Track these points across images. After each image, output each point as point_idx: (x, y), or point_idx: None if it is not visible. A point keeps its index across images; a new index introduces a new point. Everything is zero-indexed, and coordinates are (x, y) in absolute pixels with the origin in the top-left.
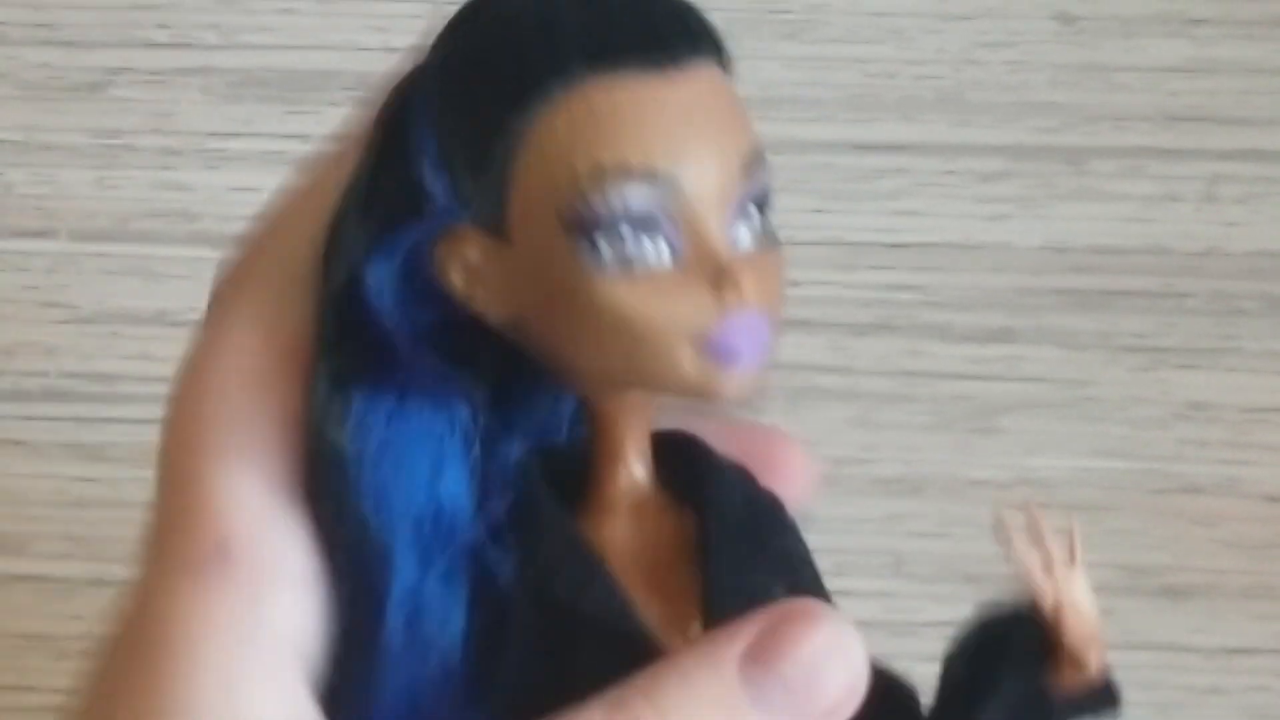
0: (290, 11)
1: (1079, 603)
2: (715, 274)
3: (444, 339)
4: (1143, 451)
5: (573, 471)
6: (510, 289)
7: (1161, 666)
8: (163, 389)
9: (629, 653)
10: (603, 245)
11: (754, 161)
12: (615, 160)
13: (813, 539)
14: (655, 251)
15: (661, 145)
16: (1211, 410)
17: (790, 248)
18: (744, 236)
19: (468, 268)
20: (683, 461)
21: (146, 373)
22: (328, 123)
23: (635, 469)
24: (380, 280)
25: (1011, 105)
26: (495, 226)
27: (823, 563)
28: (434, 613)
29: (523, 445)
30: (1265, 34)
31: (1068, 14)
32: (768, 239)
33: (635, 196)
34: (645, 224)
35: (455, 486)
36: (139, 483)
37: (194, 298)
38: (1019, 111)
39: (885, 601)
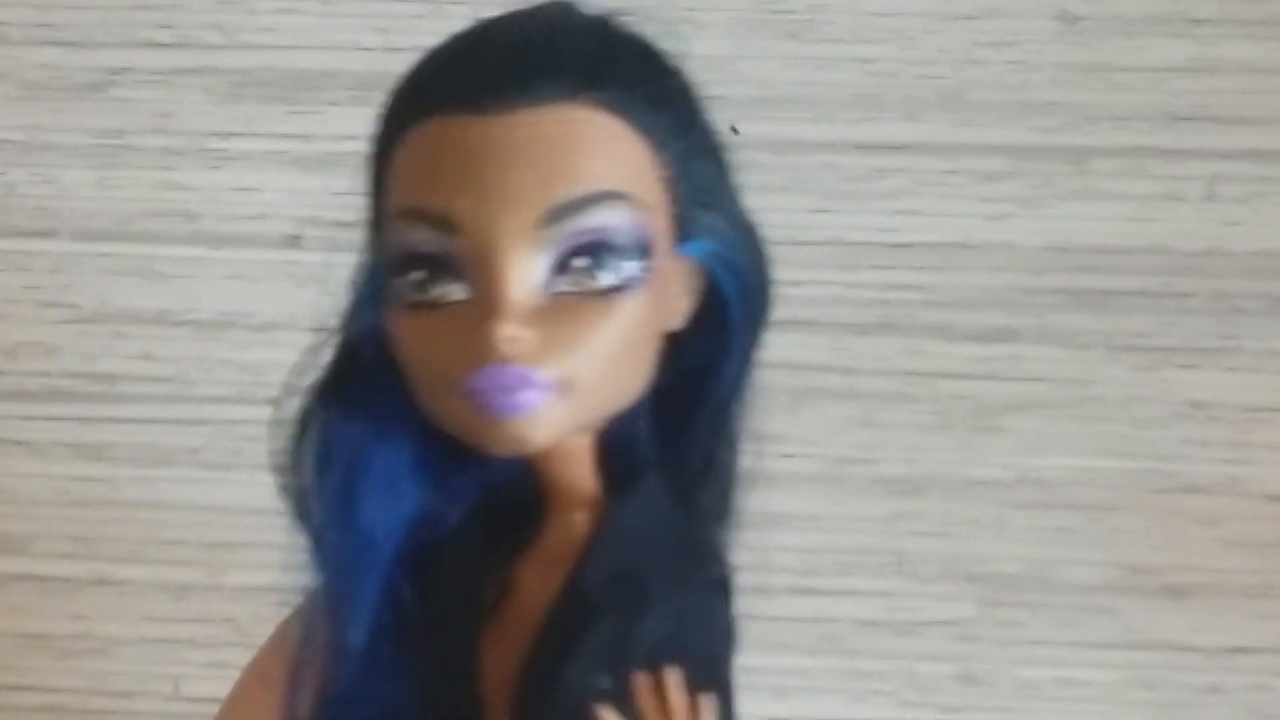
0: (291, 11)
1: None
2: (482, 322)
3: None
4: (1144, 451)
5: (532, 513)
6: (390, 327)
7: (1163, 665)
8: (164, 389)
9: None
10: (401, 284)
11: (571, 209)
12: (407, 203)
13: (814, 538)
14: (446, 293)
15: (449, 189)
16: (1213, 409)
17: (792, 247)
18: (562, 283)
19: (386, 305)
20: (616, 506)
21: (148, 373)
22: (329, 122)
23: (572, 515)
24: (362, 313)
25: (1013, 105)
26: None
27: (824, 562)
28: (344, 607)
29: (481, 480)
30: (1266, 34)
31: (1069, 14)
32: (598, 290)
33: (421, 238)
34: (436, 265)
35: (388, 511)
36: (140, 482)
37: (196, 297)
38: (1020, 111)
39: (887, 601)
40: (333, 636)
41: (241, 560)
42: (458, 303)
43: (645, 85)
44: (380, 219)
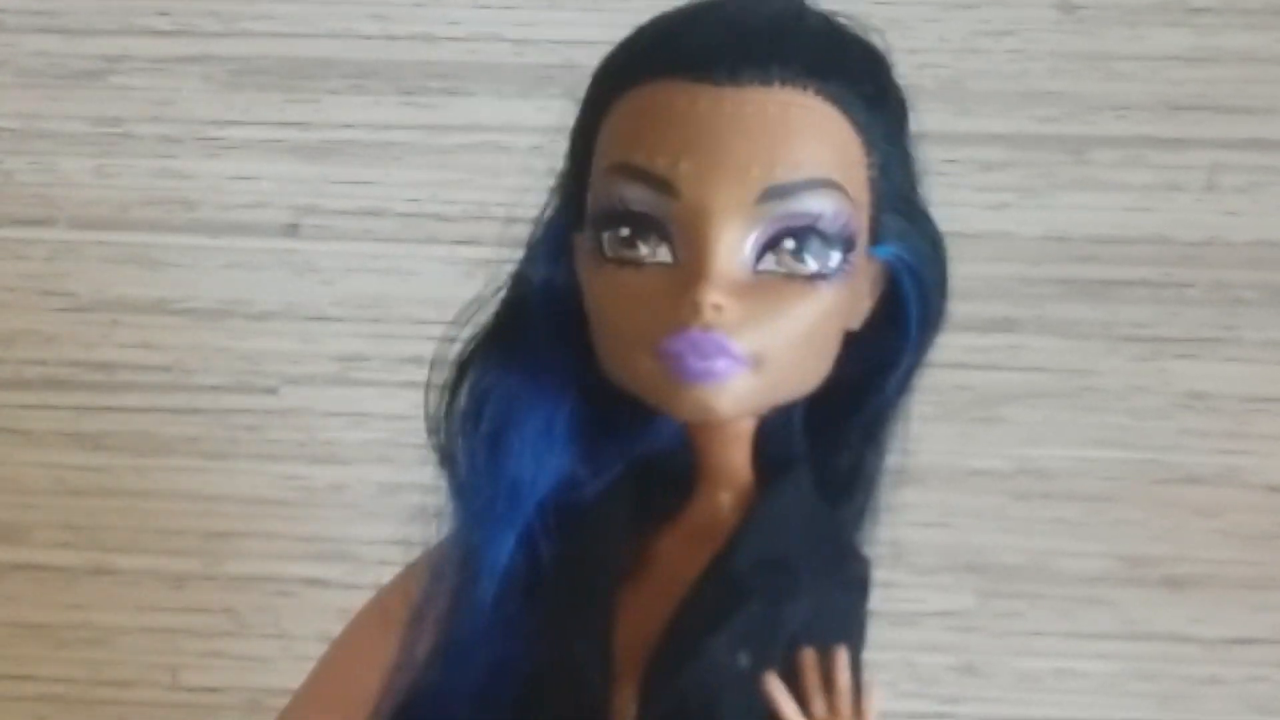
0: None
1: None
2: (689, 287)
3: (575, 342)
4: (1143, 441)
5: (685, 482)
6: (582, 280)
7: (1162, 657)
8: (162, 378)
9: (576, 683)
10: (606, 239)
11: (790, 191)
12: (625, 159)
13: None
14: (653, 254)
15: (673, 152)
16: (1212, 400)
17: None
18: (767, 262)
19: (579, 261)
20: (767, 494)
21: (146, 361)
22: (327, 111)
23: (720, 495)
24: (538, 267)
25: (1012, 94)
26: (581, 219)
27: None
28: (479, 558)
29: (630, 450)
30: (1266, 23)
31: (1068, 2)
32: (802, 275)
33: (634, 196)
34: (645, 225)
35: (537, 464)
36: (138, 472)
37: (194, 286)
38: (1020, 100)
39: (886, 591)
40: (462, 585)
41: (239, 550)
42: (661, 264)
43: (867, 85)
44: (578, 175)
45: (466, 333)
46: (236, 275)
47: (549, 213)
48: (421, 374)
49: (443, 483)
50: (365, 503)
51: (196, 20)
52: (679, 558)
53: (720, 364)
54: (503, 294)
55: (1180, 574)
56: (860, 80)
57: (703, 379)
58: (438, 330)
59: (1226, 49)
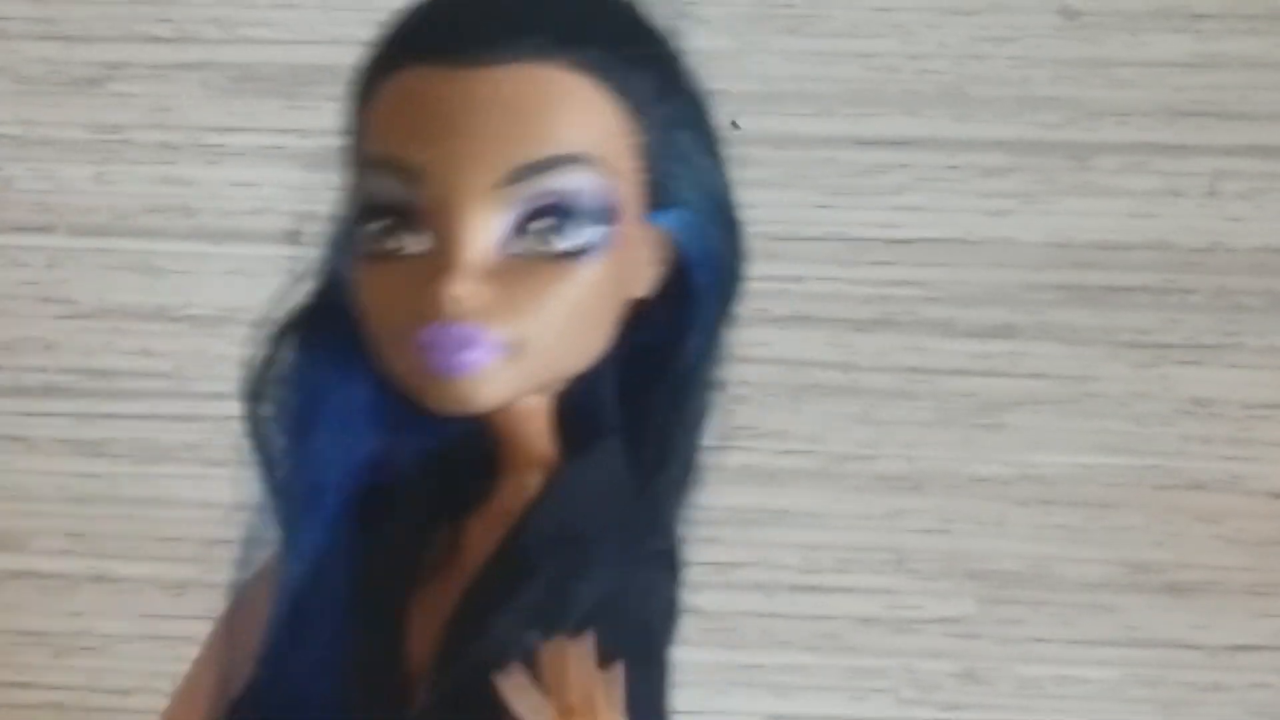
0: (290, 6)
1: None
2: (436, 278)
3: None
4: (1145, 448)
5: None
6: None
7: (1164, 663)
8: (162, 384)
9: (374, 678)
10: (365, 234)
11: (534, 170)
12: (376, 151)
13: (814, 535)
14: (408, 244)
15: (418, 140)
16: (1214, 406)
17: (792, 243)
18: (522, 243)
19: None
20: (563, 470)
21: (146, 368)
22: (327, 117)
23: (525, 476)
24: (333, 261)
25: (1014, 100)
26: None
27: (824, 559)
28: (289, 548)
29: (433, 435)
30: (1269, 29)
31: (1070, 8)
32: (558, 253)
33: (386, 187)
34: (399, 215)
35: (339, 450)
36: (139, 479)
37: (193, 293)
38: (1021, 107)
39: (887, 598)
40: (278, 578)
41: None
42: (417, 255)
43: (626, 47)
44: (353, 169)
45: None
46: (237, 282)
47: (341, 205)
48: None
49: (255, 465)
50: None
51: (196, 27)
52: (481, 543)
53: (472, 355)
54: (306, 286)
55: (1182, 580)
56: (616, 44)
57: (456, 371)
58: None
59: (1228, 55)
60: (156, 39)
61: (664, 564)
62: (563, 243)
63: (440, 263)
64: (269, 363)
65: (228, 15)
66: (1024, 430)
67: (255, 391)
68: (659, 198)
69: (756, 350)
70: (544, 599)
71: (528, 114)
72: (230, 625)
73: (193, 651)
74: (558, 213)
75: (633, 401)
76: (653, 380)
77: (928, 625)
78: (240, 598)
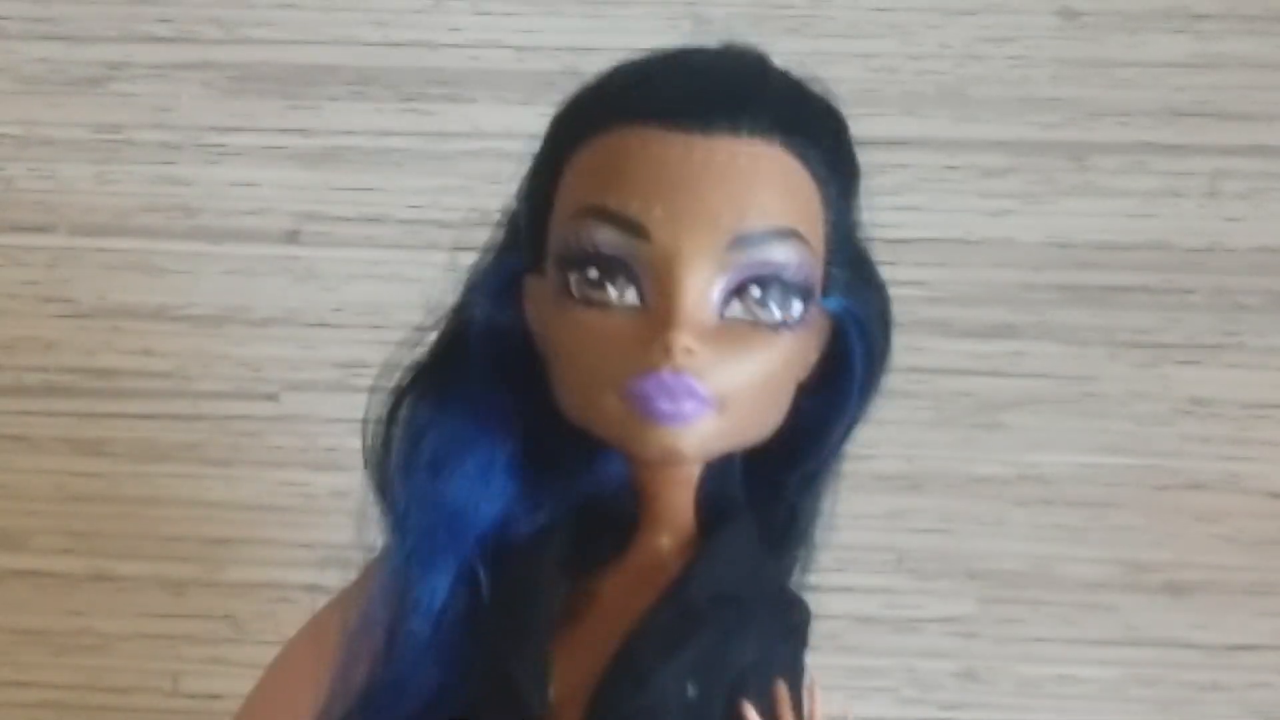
0: (291, 6)
1: None
2: (659, 329)
3: (518, 382)
4: (1145, 447)
5: (625, 526)
6: (540, 321)
7: (1163, 663)
8: (163, 384)
9: (513, 713)
10: (573, 280)
11: (758, 239)
12: (596, 203)
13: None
14: (620, 296)
15: (645, 197)
16: (1214, 406)
17: None
18: (733, 308)
19: (533, 301)
20: (716, 536)
21: (147, 368)
22: (328, 117)
23: (662, 538)
24: (482, 305)
25: (1014, 100)
26: (541, 261)
27: (824, 559)
28: (417, 591)
29: (571, 490)
30: (1269, 29)
31: (1070, 9)
32: (766, 323)
33: (605, 239)
34: (615, 267)
35: (477, 500)
36: (139, 478)
37: (194, 292)
38: (1021, 107)
39: (887, 598)
40: (399, 617)
41: (240, 556)
42: (629, 307)
43: (827, 142)
44: (535, 217)
45: (405, 363)
46: (237, 281)
47: (496, 251)
48: None
49: (381, 514)
50: (366, 509)
51: (197, 27)
52: (621, 597)
53: (688, 406)
54: (443, 329)
55: (1182, 580)
56: (820, 136)
57: (670, 421)
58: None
59: (1228, 55)
60: (157, 39)
61: (799, 634)
62: (772, 313)
63: (662, 316)
64: (395, 412)
65: (229, 15)
66: (1023, 430)
67: (383, 443)
68: (828, 286)
69: None
70: (707, 653)
71: (756, 185)
72: (344, 648)
73: (192, 651)
74: (771, 283)
75: (760, 477)
76: (785, 462)
77: (927, 624)
78: (343, 619)
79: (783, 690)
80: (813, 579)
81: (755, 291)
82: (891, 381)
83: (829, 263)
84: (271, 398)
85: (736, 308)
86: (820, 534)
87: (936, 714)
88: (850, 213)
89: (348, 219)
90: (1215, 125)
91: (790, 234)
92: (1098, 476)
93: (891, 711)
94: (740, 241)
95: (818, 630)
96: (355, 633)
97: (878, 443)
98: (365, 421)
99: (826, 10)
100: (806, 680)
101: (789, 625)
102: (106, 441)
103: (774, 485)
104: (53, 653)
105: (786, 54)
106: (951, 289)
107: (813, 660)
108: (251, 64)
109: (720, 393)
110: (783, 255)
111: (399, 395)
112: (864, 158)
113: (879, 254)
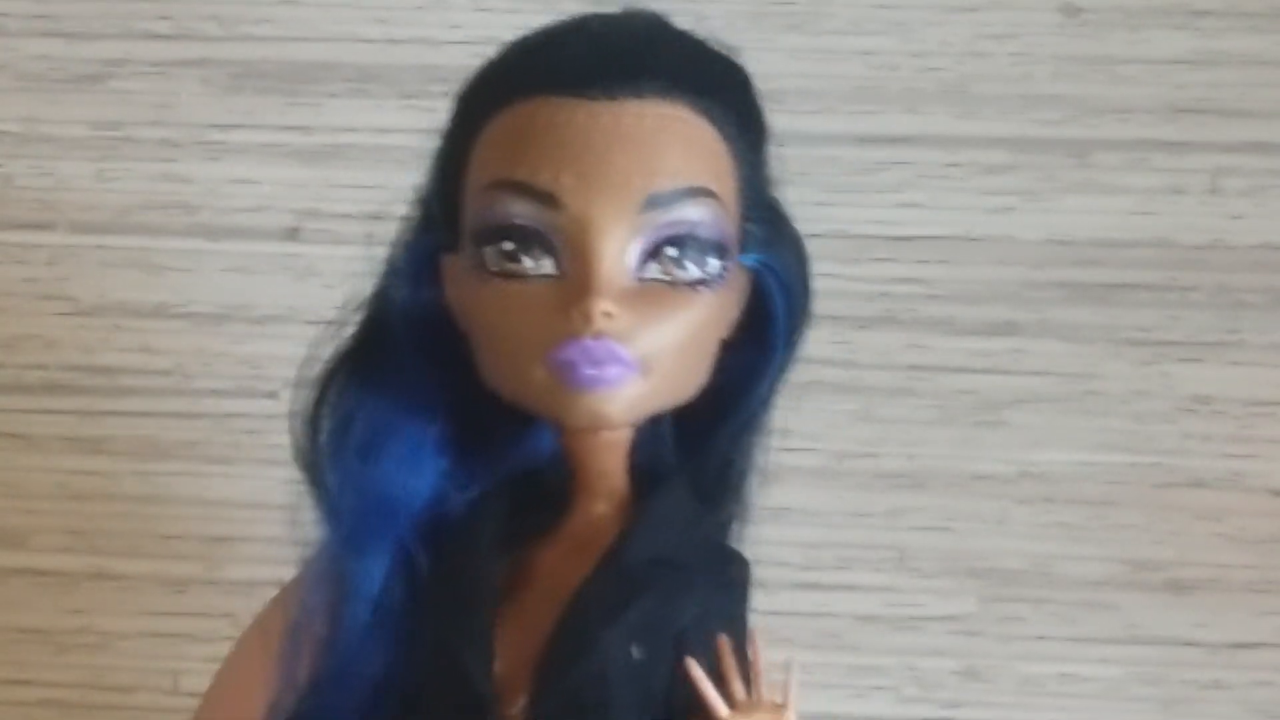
0: (291, 3)
1: None
2: (578, 296)
3: (442, 360)
4: (1146, 445)
5: (559, 496)
6: (458, 299)
7: (1165, 661)
8: (163, 382)
9: (462, 694)
10: (489, 254)
11: (669, 199)
12: (506, 175)
13: (815, 533)
14: (537, 266)
15: (554, 166)
16: (1216, 404)
17: None
18: (650, 270)
19: (452, 279)
20: (649, 499)
21: (147, 365)
22: (328, 114)
23: (597, 505)
24: (401, 288)
25: (1015, 98)
26: (457, 239)
27: (825, 557)
28: (353, 577)
29: (501, 465)
30: (1270, 26)
31: (1071, 6)
32: (684, 282)
33: (518, 211)
34: (529, 238)
35: (407, 481)
36: (139, 476)
37: (194, 290)
38: (1022, 104)
39: (888, 596)
40: (338, 605)
41: (240, 555)
42: (545, 276)
43: (731, 98)
44: (446, 195)
45: (324, 352)
46: (237, 279)
47: (411, 233)
48: None
49: (313, 504)
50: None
51: (197, 24)
52: (560, 567)
53: (612, 370)
54: (365, 313)
55: (1183, 578)
56: (725, 94)
57: (595, 386)
58: None
59: (1229, 52)
60: (157, 36)
61: (739, 588)
62: (689, 272)
63: (579, 283)
64: (322, 398)
65: (228, 12)
66: (1025, 428)
67: (310, 428)
68: (745, 241)
69: None
70: (649, 615)
71: (663, 147)
72: (286, 641)
73: (193, 649)
74: (686, 242)
75: (690, 435)
76: (715, 417)
77: (929, 623)
78: (286, 612)
79: (725, 644)
80: (749, 532)
81: (671, 251)
82: (893, 379)
83: (744, 219)
84: (272, 395)
85: (654, 269)
86: (754, 489)
87: (938, 712)
88: (762, 168)
89: (348, 216)
90: (1217, 122)
91: (701, 192)
92: (1099, 474)
93: (893, 710)
94: (652, 203)
95: (818, 627)
96: (297, 624)
97: (879, 441)
98: (291, 414)
99: (828, 7)
100: (750, 632)
101: (728, 580)
102: (107, 439)
103: (705, 443)
104: (53, 651)
105: (787, 50)
106: (953, 286)
107: (815, 658)
108: (251, 61)
109: (643, 355)
110: (695, 214)
111: (325, 383)
112: (866, 154)
113: (880, 251)
